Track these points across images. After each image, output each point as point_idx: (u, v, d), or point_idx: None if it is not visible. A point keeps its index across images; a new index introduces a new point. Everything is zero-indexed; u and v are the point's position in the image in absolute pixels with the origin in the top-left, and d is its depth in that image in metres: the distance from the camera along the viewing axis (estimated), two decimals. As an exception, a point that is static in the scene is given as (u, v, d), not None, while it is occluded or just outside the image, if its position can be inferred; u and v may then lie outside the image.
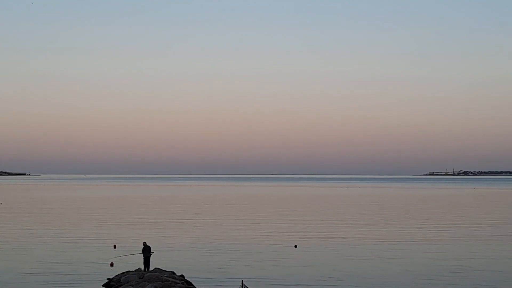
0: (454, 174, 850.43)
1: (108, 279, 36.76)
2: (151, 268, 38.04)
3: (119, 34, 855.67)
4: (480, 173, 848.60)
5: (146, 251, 38.57)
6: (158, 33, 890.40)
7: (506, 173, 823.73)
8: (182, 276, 36.22)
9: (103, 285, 35.73)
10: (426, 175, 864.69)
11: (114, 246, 52.20)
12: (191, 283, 34.88)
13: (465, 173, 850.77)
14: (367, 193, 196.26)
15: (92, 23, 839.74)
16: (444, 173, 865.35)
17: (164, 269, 37.45)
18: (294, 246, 53.41)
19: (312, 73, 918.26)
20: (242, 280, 31.40)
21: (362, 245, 54.85)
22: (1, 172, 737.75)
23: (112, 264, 42.53)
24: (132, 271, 37.16)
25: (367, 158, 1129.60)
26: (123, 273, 36.99)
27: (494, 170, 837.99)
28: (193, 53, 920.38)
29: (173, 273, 36.39)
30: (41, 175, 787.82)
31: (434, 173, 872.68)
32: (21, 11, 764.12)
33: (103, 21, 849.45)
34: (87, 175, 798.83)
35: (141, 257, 39.10)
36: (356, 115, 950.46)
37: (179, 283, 33.41)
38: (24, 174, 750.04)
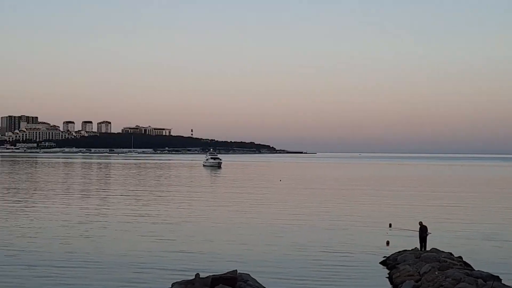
0: None
1: (384, 257, 37.12)
2: (427, 248, 37.62)
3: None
4: None
5: (423, 231, 38.20)
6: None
7: None
8: (460, 257, 35.34)
9: (380, 263, 36.15)
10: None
11: (390, 225, 52.29)
12: (469, 265, 33.90)
13: None
14: None
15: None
16: None
17: (441, 249, 36.84)
18: None
19: None
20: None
21: None
22: (280, 150, 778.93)
23: (388, 243, 42.79)
24: (409, 250, 37.07)
25: None
26: (399, 252, 37.08)
27: None
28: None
29: (451, 254, 35.65)
30: (317, 153, 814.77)
31: None
32: None
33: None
34: (361, 154, 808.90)
35: (416, 237, 38.84)
36: None
37: (457, 265, 32.65)
38: (301, 152, 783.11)
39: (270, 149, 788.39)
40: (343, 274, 33.13)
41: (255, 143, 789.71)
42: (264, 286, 28.57)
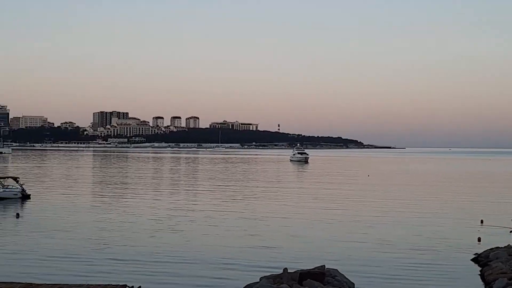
0: None
1: (475, 254, 36.06)
2: (521, 246, 36.33)
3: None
4: None
5: (516, 227, 36.95)
6: None
7: None
8: (556, 255, 33.95)
9: (471, 260, 35.14)
10: None
11: (481, 221, 50.86)
12: None
13: None
14: None
15: None
16: None
17: (536, 247, 35.51)
18: None
19: None
20: None
21: None
22: (369, 145, 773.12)
23: (479, 239, 41.57)
24: (501, 247, 35.90)
25: None
26: (491, 249, 35.95)
27: None
28: None
29: (547, 252, 34.34)
30: (406, 148, 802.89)
31: None
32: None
33: None
34: (451, 149, 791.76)
35: (509, 234, 37.61)
36: None
37: (553, 263, 31.36)
38: (390, 147, 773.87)
39: (358, 144, 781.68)
40: (432, 270, 32.38)
41: (343, 138, 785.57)
42: (353, 282, 28.20)
